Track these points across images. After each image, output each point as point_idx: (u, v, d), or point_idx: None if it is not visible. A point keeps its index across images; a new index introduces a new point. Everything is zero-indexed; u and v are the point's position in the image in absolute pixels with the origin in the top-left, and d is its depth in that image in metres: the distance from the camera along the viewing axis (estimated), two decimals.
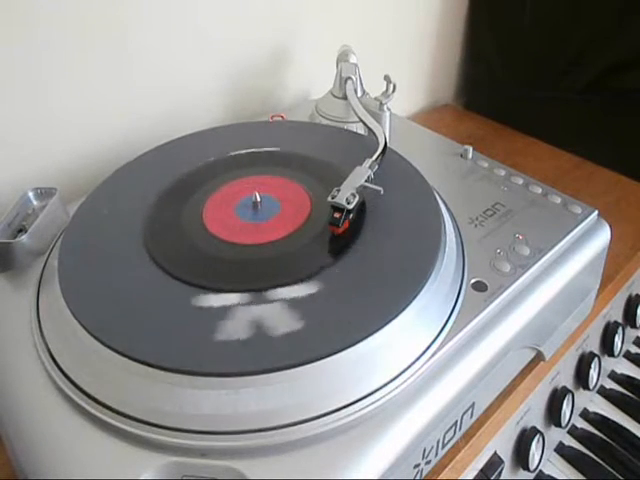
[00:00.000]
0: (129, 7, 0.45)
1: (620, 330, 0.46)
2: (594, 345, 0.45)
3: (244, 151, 0.42)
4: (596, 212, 0.38)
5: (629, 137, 0.63)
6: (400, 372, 0.27)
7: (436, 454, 0.30)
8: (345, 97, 0.47)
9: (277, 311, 0.29)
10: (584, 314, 0.41)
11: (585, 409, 0.45)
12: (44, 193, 0.38)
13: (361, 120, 0.43)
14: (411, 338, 0.28)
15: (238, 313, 0.29)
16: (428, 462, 0.30)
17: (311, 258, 0.32)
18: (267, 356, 0.26)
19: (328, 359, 0.26)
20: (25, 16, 0.41)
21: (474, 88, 0.79)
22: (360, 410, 0.26)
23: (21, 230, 0.36)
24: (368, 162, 0.36)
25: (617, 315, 0.48)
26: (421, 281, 0.30)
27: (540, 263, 0.34)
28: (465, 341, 0.30)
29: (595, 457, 0.42)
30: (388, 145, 0.39)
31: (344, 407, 0.25)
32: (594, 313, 0.43)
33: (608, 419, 0.45)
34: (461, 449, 0.32)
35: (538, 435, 0.38)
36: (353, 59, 0.49)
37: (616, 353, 0.46)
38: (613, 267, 0.45)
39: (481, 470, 0.34)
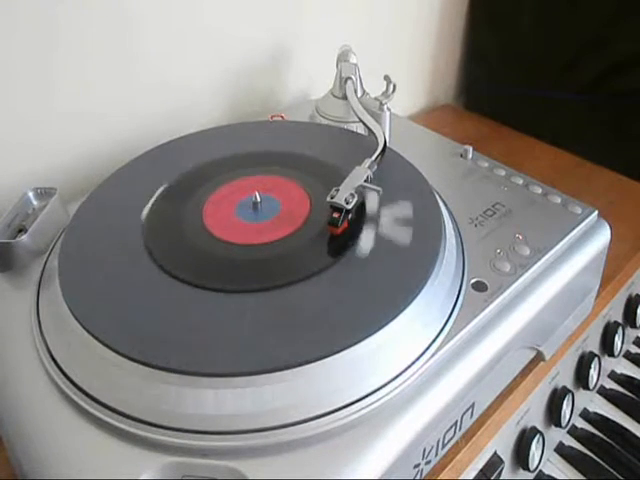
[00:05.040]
0: (131, 7, 0.46)
1: (620, 330, 0.46)
2: (594, 345, 0.45)
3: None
4: (596, 212, 0.38)
5: (629, 137, 0.63)
6: (400, 372, 0.27)
7: (436, 454, 0.30)
8: (345, 97, 0.47)
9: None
10: (584, 314, 0.41)
11: (585, 409, 0.45)
12: (44, 193, 0.38)
13: (361, 120, 0.43)
14: (411, 338, 0.28)
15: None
16: (428, 462, 0.30)
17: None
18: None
19: (328, 359, 0.26)
20: (25, 15, 0.41)
21: (474, 88, 0.79)
22: (360, 410, 0.26)
23: (21, 230, 0.36)
24: (367, 162, 0.36)
25: (617, 315, 0.48)
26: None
27: (540, 263, 0.34)
28: (465, 341, 0.30)
29: (595, 457, 0.42)
30: (388, 145, 0.39)
31: (344, 407, 0.25)
32: (594, 313, 0.43)
33: (608, 419, 0.45)
34: (461, 449, 0.32)
35: (538, 435, 0.38)
36: (353, 59, 0.49)
37: (616, 353, 0.46)
38: (613, 267, 0.45)
39: (481, 470, 0.34)
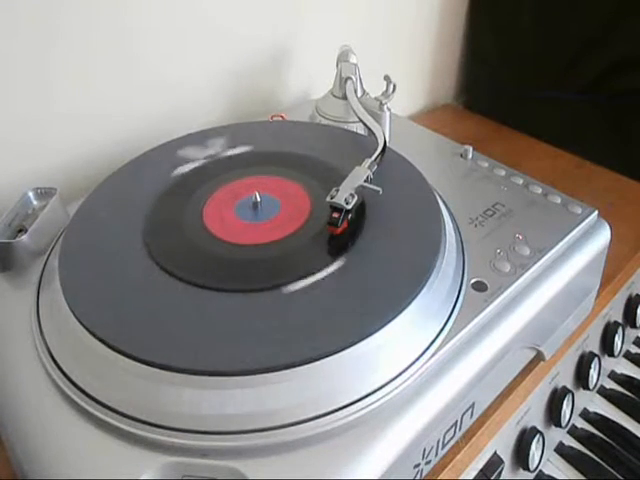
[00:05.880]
0: (131, 7, 0.46)
1: (620, 330, 0.46)
2: (594, 345, 0.45)
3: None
4: (596, 212, 0.38)
5: (629, 137, 0.63)
6: (400, 372, 0.27)
7: (436, 454, 0.30)
8: (345, 97, 0.47)
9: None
10: (584, 314, 0.41)
11: (585, 409, 0.45)
12: (44, 193, 0.38)
13: (361, 120, 0.43)
14: (411, 338, 0.28)
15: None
16: (428, 462, 0.30)
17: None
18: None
19: (328, 359, 0.26)
20: (25, 15, 0.41)
21: (474, 88, 0.79)
22: (360, 410, 0.26)
23: (21, 230, 0.36)
24: (367, 162, 0.36)
25: (617, 315, 0.48)
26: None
27: (540, 263, 0.34)
28: (465, 341, 0.30)
29: (595, 457, 0.42)
30: (388, 145, 0.39)
31: (344, 407, 0.25)
32: (594, 313, 0.43)
33: (608, 419, 0.45)
34: (461, 449, 0.32)
35: (538, 435, 0.38)
36: (353, 59, 0.49)
37: (616, 353, 0.46)
38: (613, 267, 0.45)
39: (481, 470, 0.34)
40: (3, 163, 0.44)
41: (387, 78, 0.45)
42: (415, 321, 0.29)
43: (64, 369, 0.28)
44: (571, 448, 0.43)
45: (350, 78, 0.47)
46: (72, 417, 0.26)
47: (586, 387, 0.43)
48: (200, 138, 0.44)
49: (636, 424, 0.44)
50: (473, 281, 0.32)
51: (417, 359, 0.28)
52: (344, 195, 0.32)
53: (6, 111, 0.43)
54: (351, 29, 0.62)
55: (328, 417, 0.25)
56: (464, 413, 0.31)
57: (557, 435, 0.43)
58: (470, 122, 0.72)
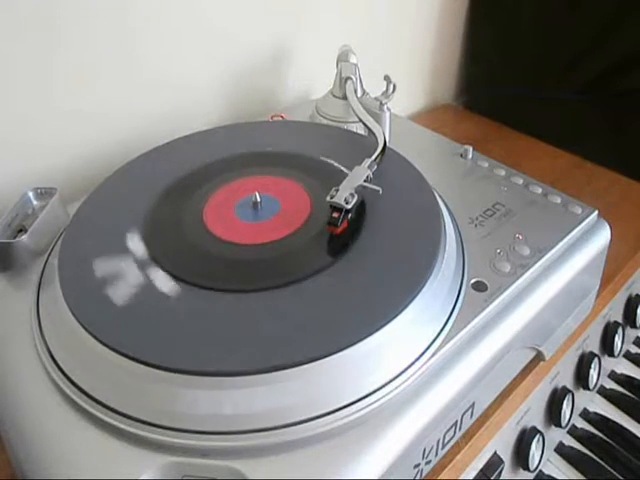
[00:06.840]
0: (132, 6, 0.46)
1: (620, 330, 0.46)
2: (594, 345, 0.45)
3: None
4: (596, 212, 0.38)
5: (629, 137, 0.63)
6: (400, 372, 0.27)
7: (436, 454, 0.30)
8: (345, 97, 0.47)
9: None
10: (584, 314, 0.41)
11: (585, 409, 0.45)
12: (44, 193, 0.38)
13: (361, 120, 0.43)
14: (411, 338, 0.28)
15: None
16: (428, 462, 0.30)
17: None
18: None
19: (328, 359, 0.26)
20: (26, 14, 0.41)
21: (474, 88, 0.79)
22: (360, 410, 0.26)
23: (21, 230, 0.36)
24: (367, 162, 0.36)
25: (617, 315, 0.48)
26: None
27: (540, 263, 0.34)
28: (465, 341, 0.30)
29: (595, 457, 0.42)
30: (388, 145, 0.39)
31: (344, 407, 0.25)
32: (594, 313, 0.43)
33: (608, 419, 0.45)
34: (461, 449, 0.32)
35: (538, 435, 0.38)
36: (353, 59, 0.49)
37: (616, 353, 0.46)
38: (613, 267, 0.45)
39: (481, 470, 0.34)
40: (3, 163, 0.44)
41: (387, 78, 0.45)
42: (415, 321, 0.28)
43: (64, 369, 0.28)
44: (571, 448, 0.43)
45: (350, 78, 0.47)
46: (72, 417, 0.26)
47: (586, 387, 0.43)
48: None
49: (636, 424, 0.44)
50: (473, 281, 0.32)
51: (417, 359, 0.28)
52: (344, 195, 0.32)
53: (6, 111, 0.43)
54: (351, 29, 0.63)
55: (328, 417, 0.25)
56: (464, 413, 0.31)
57: (557, 435, 0.43)
58: (470, 122, 0.72)
